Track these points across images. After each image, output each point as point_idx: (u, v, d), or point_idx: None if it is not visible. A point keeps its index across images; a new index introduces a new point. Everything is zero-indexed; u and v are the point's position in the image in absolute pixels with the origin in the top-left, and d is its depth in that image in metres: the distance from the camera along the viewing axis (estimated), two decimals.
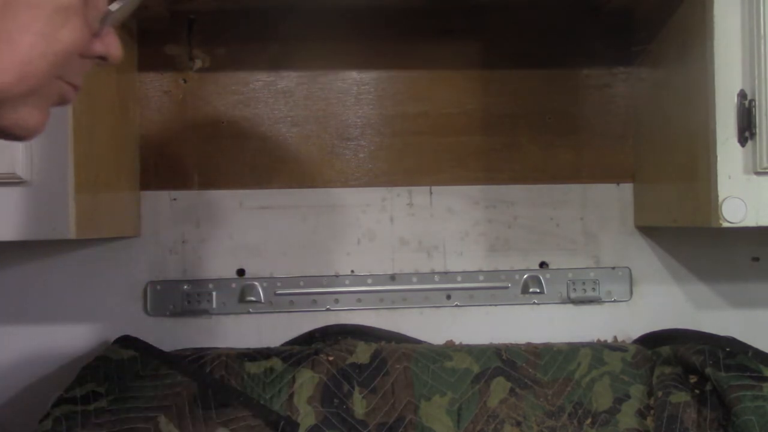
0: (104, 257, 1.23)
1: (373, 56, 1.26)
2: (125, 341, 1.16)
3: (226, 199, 1.24)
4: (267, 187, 1.25)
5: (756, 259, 1.30)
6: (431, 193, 1.27)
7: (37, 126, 0.52)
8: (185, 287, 1.23)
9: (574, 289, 1.27)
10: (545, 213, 1.28)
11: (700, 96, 1.00)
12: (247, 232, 1.24)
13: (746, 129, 0.95)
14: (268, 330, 1.24)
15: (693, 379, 1.14)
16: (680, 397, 1.09)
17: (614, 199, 1.28)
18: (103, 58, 0.54)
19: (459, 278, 1.26)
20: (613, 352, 1.19)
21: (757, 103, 0.94)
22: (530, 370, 1.16)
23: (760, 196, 0.95)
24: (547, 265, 1.28)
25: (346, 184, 1.26)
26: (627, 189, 1.28)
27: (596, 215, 1.28)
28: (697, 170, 1.02)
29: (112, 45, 0.54)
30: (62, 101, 0.54)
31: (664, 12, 1.12)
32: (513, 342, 1.24)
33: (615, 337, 1.28)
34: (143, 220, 1.23)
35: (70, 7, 0.48)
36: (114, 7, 0.52)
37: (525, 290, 1.27)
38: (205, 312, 1.23)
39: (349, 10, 1.24)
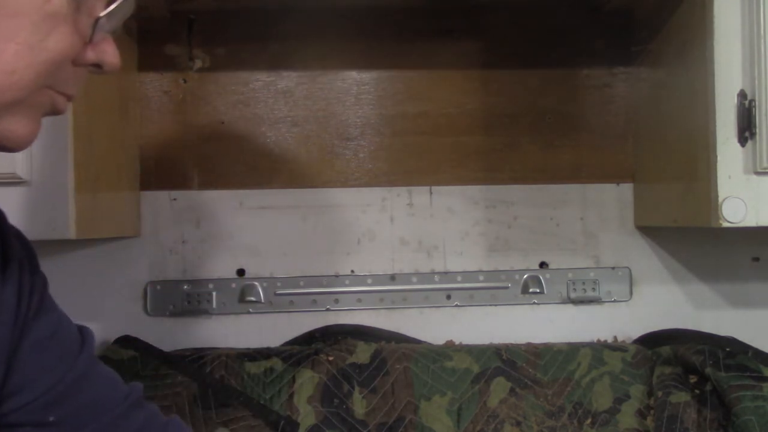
0: (104, 257, 1.23)
1: (373, 56, 1.26)
2: (125, 341, 1.16)
3: (226, 199, 1.24)
4: (267, 187, 1.25)
5: (756, 259, 1.30)
6: (431, 193, 1.27)
7: (27, 137, 0.50)
8: (185, 287, 1.23)
9: (574, 289, 1.27)
10: (545, 213, 1.28)
11: (700, 96, 1.00)
12: (247, 232, 1.24)
13: (746, 129, 0.95)
14: (268, 330, 1.24)
15: (693, 379, 1.14)
16: (680, 397, 1.09)
17: (614, 199, 1.28)
18: (98, 66, 0.52)
19: (459, 278, 1.26)
20: (613, 352, 1.19)
21: (757, 103, 0.94)
22: (530, 370, 1.16)
23: (760, 196, 0.95)
24: (547, 265, 1.28)
25: (346, 184, 1.26)
26: (627, 189, 1.28)
27: (596, 215, 1.28)
28: (697, 170, 1.02)
29: (107, 53, 0.51)
30: (54, 111, 0.52)
31: (664, 12, 1.12)
32: (513, 342, 1.23)
33: (615, 337, 1.27)
34: (143, 220, 1.23)
35: (58, 14, 0.46)
36: (103, 13, 0.49)
37: (525, 290, 1.27)
38: (205, 312, 1.23)
39: (349, 10, 1.24)
